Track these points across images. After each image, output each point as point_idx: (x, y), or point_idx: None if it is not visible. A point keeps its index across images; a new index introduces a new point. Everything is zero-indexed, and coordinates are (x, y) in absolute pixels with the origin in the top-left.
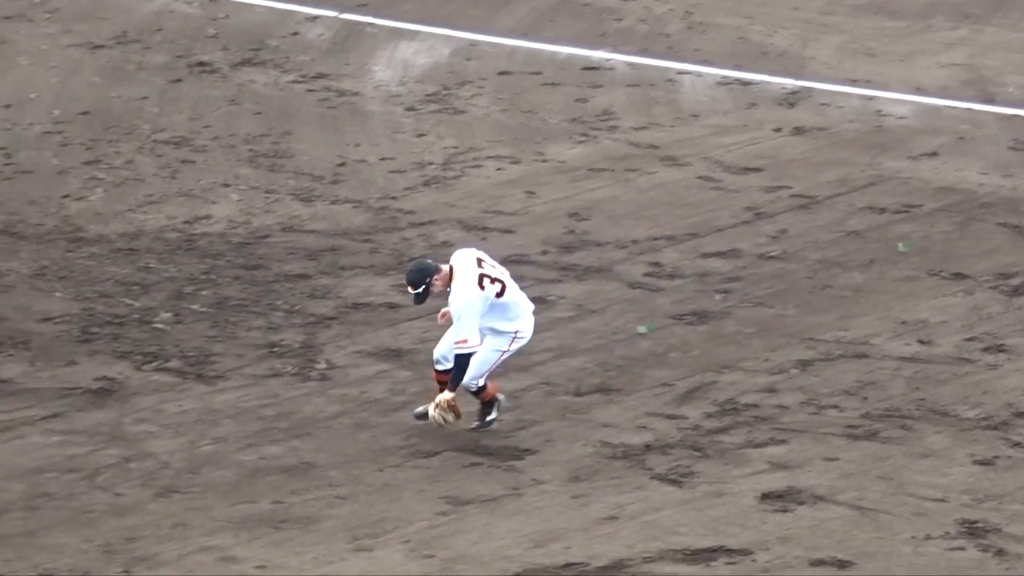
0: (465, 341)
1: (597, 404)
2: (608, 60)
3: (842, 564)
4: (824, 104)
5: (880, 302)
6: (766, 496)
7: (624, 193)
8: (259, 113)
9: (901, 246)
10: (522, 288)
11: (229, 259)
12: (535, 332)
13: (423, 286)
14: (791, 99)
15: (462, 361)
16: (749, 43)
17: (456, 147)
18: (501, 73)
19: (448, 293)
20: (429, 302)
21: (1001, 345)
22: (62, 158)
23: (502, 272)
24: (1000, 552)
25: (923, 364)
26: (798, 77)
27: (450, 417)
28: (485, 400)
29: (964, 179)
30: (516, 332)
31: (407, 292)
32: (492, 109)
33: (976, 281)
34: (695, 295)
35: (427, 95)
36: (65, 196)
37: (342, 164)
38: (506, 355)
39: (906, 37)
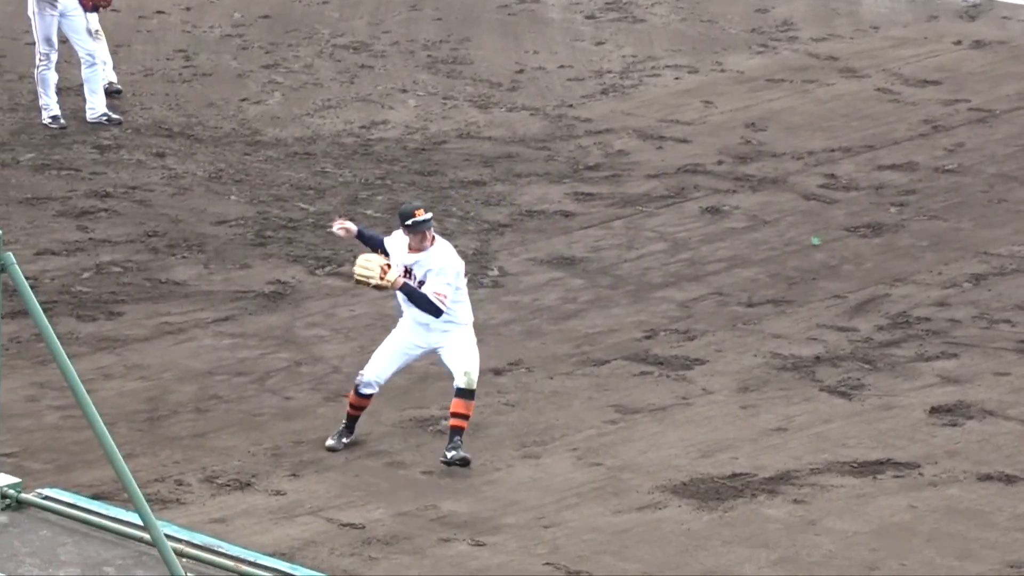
0: (445, 296)
1: (768, 315)
2: None
3: (1010, 479)
4: (1005, 17)
5: None
6: (935, 410)
7: (801, 104)
8: (439, 19)
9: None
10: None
11: (405, 164)
12: (709, 242)
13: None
14: (972, 12)
15: (431, 307)
16: None
17: (634, 56)
18: None
19: (425, 249)
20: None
21: None
22: (241, 61)
23: None
24: None
25: None
26: None
27: (374, 273)
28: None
29: None
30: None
31: (420, 215)
32: (672, 18)
33: None
34: (870, 207)
35: (607, 3)
36: (244, 99)
37: (520, 71)
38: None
39: None
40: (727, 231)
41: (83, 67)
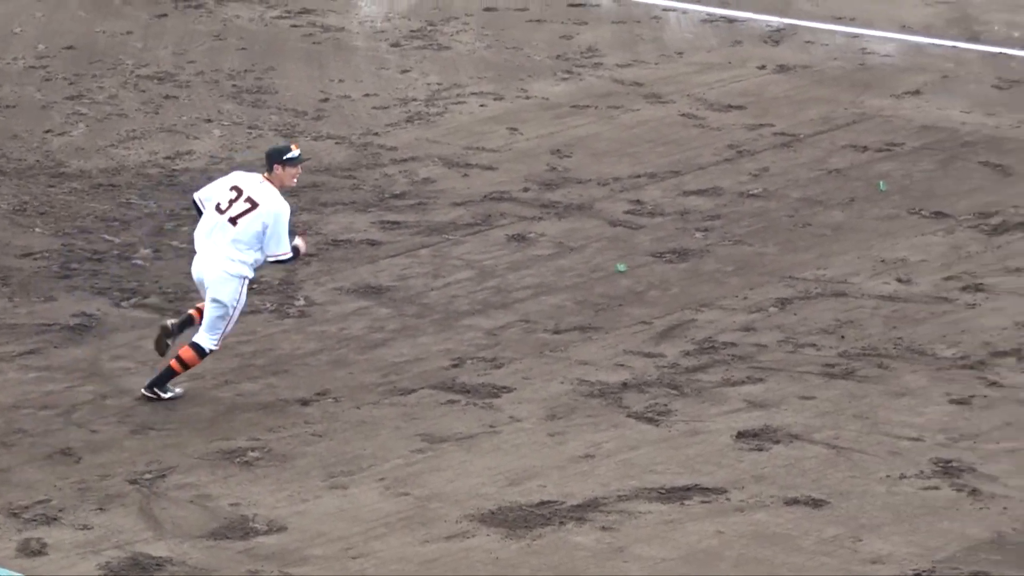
0: (286, 253)
1: (575, 342)
2: None
3: (816, 503)
4: (808, 42)
5: (860, 240)
6: (742, 435)
7: (607, 130)
8: (243, 48)
9: (881, 185)
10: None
11: None
12: (516, 270)
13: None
14: (776, 36)
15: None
16: None
17: (440, 83)
18: (487, 9)
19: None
20: None
21: (980, 284)
22: (45, 93)
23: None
24: (974, 492)
25: (901, 303)
26: (783, 15)
27: None
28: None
29: (947, 118)
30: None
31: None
32: (477, 45)
33: (956, 220)
34: (675, 233)
35: (412, 31)
36: (48, 131)
37: (325, 100)
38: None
39: None
40: (533, 258)
41: None
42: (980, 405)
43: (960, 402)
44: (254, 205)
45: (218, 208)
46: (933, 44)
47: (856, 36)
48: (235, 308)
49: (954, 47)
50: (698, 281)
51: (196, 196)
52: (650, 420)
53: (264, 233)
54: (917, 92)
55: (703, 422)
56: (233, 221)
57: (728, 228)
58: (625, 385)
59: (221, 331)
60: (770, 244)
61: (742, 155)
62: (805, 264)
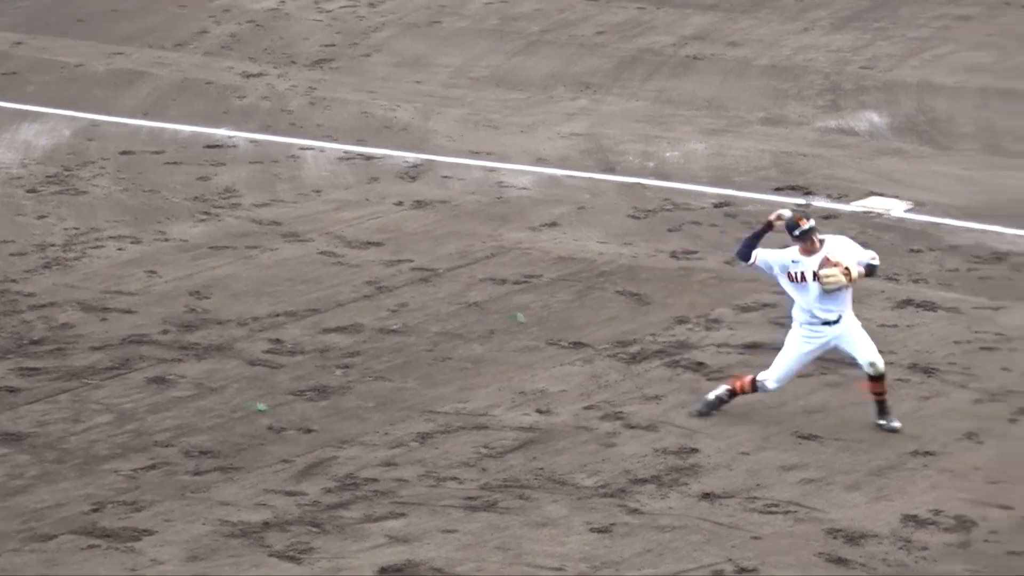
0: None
1: (216, 482)
2: (231, 137)
3: None
4: (446, 176)
5: (500, 372)
6: (384, 570)
7: (245, 270)
8: None
9: (519, 317)
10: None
11: None
12: (156, 412)
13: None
14: (413, 172)
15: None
16: (372, 117)
17: (77, 228)
18: (123, 152)
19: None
20: None
21: (619, 413)
22: None
23: None
24: None
25: (542, 433)
26: (420, 150)
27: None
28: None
29: (584, 248)
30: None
31: (804, 223)
32: (113, 189)
33: (595, 349)
34: (316, 371)
35: (48, 176)
36: None
37: None
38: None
39: (527, 108)
40: (173, 400)
41: None
42: (621, 532)
43: (601, 530)
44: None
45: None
46: (569, 176)
47: (493, 170)
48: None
49: (590, 178)
50: (339, 418)
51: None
52: (292, 559)
53: None
54: (554, 224)
55: (345, 559)
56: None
57: (368, 364)
58: (267, 524)
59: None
60: (410, 379)
61: (381, 291)
62: (446, 398)
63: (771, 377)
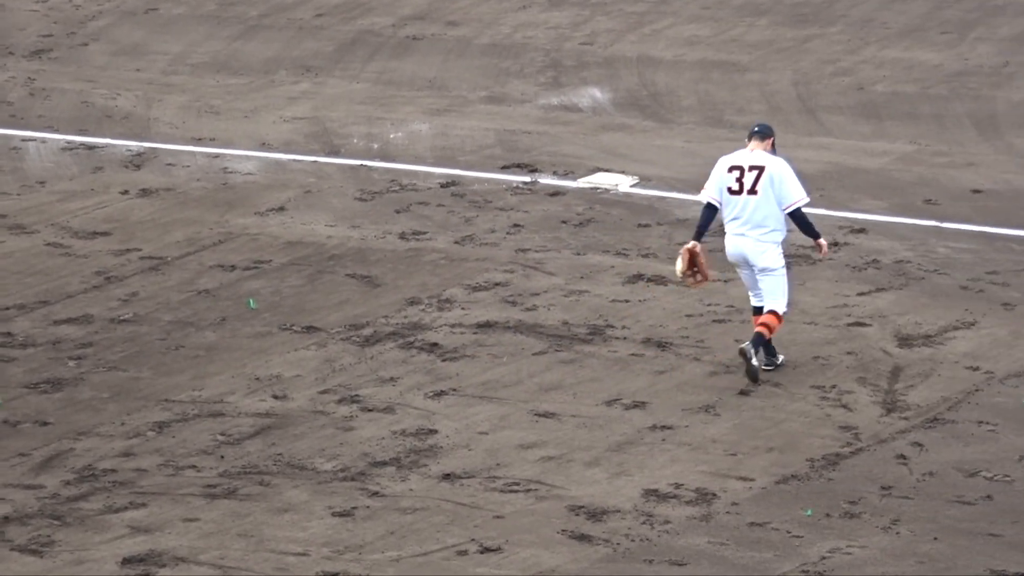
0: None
1: None
2: None
3: None
4: (170, 164)
5: (234, 359)
6: (128, 560)
7: None
8: None
9: (250, 302)
10: None
11: None
12: None
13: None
14: (137, 161)
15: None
16: (93, 107)
17: None
18: None
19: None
20: None
21: (355, 396)
22: None
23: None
24: None
25: (279, 419)
26: (143, 139)
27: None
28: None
29: (312, 232)
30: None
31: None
32: None
33: (328, 333)
34: (48, 363)
35: None
36: None
37: None
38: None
39: (249, 93)
40: None
41: None
42: (363, 516)
43: (343, 514)
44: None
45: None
46: (294, 160)
47: (217, 156)
48: (784, 267)
49: (315, 162)
50: (74, 410)
51: (705, 198)
52: (34, 552)
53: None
54: (282, 208)
55: (88, 551)
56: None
57: (101, 355)
58: (7, 519)
59: (784, 292)
60: (144, 368)
61: (110, 281)
62: (181, 386)
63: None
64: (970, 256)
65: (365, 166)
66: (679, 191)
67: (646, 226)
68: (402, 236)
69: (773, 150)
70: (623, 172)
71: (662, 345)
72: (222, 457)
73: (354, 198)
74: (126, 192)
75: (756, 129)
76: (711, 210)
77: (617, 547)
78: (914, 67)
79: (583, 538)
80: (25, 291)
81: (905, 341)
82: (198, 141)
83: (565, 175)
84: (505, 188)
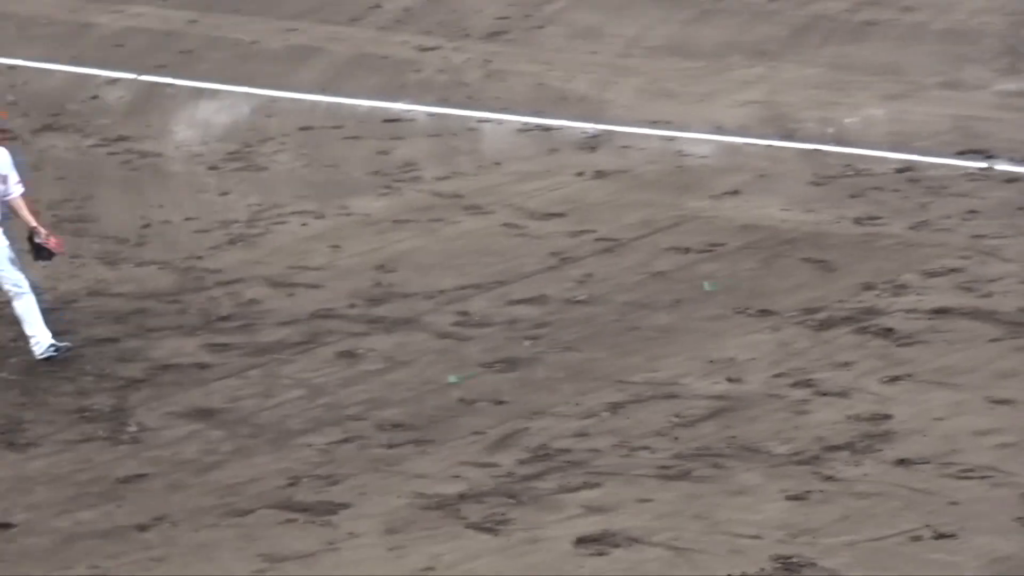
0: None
1: (410, 455)
2: (408, 111)
3: None
4: (625, 147)
5: (688, 342)
6: (581, 540)
7: (430, 243)
8: (61, 178)
9: (707, 285)
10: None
11: None
12: (347, 386)
13: None
14: (592, 143)
15: None
16: (548, 89)
17: (260, 204)
18: (302, 128)
19: None
20: None
21: (810, 380)
22: None
23: None
24: None
25: (733, 401)
26: (598, 121)
27: None
28: None
29: (767, 216)
30: None
31: None
32: (295, 165)
33: (782, 317)
34: (504, 343)
35: (229, 153)
36: None
37: (146, 226)
38: None
39: (704, 77)
40: (363, 374)
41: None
42: (816, 500)
43: (797, 498)
44: None
45: None
46: (749, 144)
47: (672, 139)
48: None
49: (769, 146)
50: (529, 389)
51: None
52: (489, 530)
53: None
54: (736, 192)
55: (542, 529)
56: None
57: (556, 335)
58: (462, 496)
59: None
60: (599, 349)
61: (565, 262)
62: (635, 368)
63: None
64: None
65: (820, 150)
66: None
67: None
68: (857, 221)
69: None
70: None
71: None
72: (676, 439)
73: (808, 182)
74: (581, 174)
75: None
76: None
77: None
78: None
79: None
80: (482, 271)
81: None
82: (653, 124)
83: (1022, 162)
84: (961, 174)
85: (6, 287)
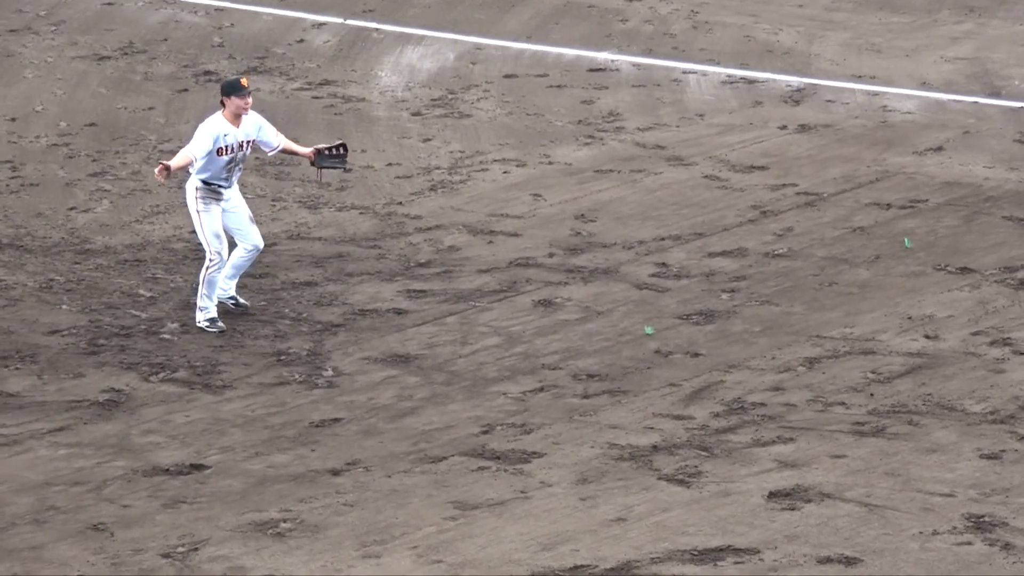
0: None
1: (604, 406)
2: (613, 61)
3: (849, 561)
4: (829, 101)
5: (886, 298)
6: (773, 494)
7: (630, 194)
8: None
9: (907, 241)
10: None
11: None
12: (543, 335)
13: None
14: (796, 96)
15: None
16: (754, 41)
17: (462, 151)
18: (507, 76)
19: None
20: None
21: (1007, 339)
22: (68, 170)
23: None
24: (1007, 546)
25: (929, 359)
26: (803, 74)
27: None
28: None
29: (970, 173)
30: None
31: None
32: (498, 112)
33: (982, 275)
34: (701, 295)
35: (433, 100)
36: (72, 208)
37: (348, 170)
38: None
39: (911, 32)
40: (560, 323)
41: None
42: (1011, 459)
43: (991, 457)
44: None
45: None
46: (954, 100)
47: (877, 94)
48: None
49: (975, 103)
50: (725, 342)
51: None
52: (681, 482)
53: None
54: (939, 148)
55: (734, 483)
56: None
57: (754, 288)
58: (655, 448)
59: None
60: (796, 304)
61: (766, 215)
62: (832, 323)
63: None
64: None
65: None
66: None
67: None
68: None
69: None
70: None
71: None
72: (871, 395)
73: (1013, 140)
74: (784, 127)
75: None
76: None
77: None
78: None
79: None
80: (681, 222)
81: None
82: (858, 78)
83: None
84: None
85: (246, 245)
